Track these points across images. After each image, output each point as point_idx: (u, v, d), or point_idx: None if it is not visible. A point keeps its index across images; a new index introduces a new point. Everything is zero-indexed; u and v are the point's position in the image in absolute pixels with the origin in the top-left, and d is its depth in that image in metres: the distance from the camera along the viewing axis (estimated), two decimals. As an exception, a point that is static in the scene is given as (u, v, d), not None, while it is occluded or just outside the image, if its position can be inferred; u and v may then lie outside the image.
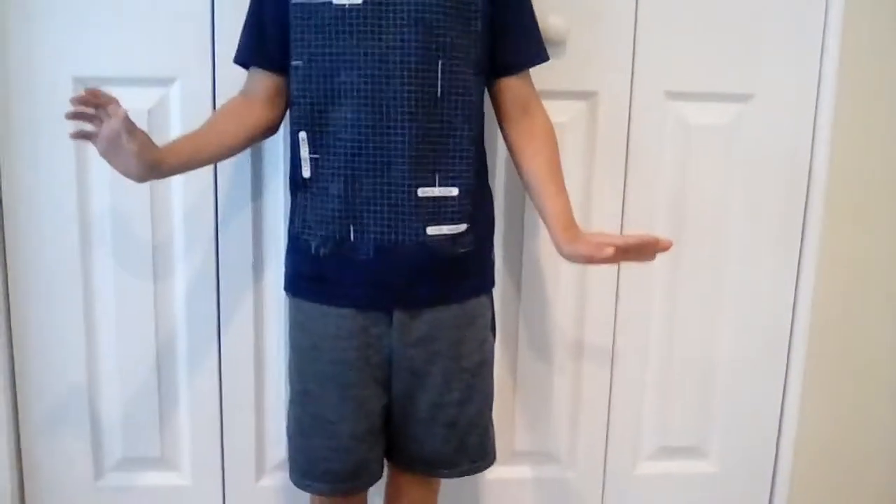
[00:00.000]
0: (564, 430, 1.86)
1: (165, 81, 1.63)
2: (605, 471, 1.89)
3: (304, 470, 1.51)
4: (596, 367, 1.84)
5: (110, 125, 1.24)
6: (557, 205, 1.42)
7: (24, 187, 1.65)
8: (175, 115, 1.64)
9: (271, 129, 1.49)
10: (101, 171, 1.63)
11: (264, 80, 1.44)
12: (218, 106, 1.57)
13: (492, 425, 1.57)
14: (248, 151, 1.64)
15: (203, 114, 1.58)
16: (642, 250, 1.37)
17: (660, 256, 1.68)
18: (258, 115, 1.45)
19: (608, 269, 1.77)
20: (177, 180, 1.65)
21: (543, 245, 1.74)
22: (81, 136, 1.28)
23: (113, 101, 1.25)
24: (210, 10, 1.61)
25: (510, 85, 1.46)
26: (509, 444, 1.84)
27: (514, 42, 1.45)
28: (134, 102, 1.57)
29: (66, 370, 1.72)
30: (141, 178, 1.32)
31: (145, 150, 1.29)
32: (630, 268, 1.75)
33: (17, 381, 1.72)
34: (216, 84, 1.62)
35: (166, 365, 1.74)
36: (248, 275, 1.71)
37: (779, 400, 1.91)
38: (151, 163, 1.30)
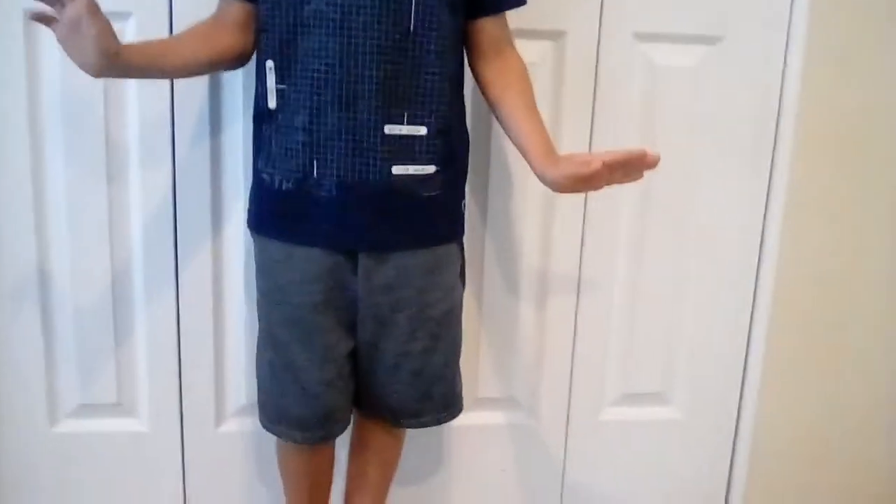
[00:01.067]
0: (528, 377, 1.86)
1: (121, 16, 1.56)
2: (568, 417, 1.89)
3: (273, 415, 1.50)
4: (560, 313, 1.83)
5: (74, 7, 1.19)
6: (536, 135, 1.38)
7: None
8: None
9: (240, 58, 1.44)
10: (53, 110, 1.59)
11: (234, 6, 1.40)
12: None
13: (459, 376, 1.56)
14: (205, 83, 1.61)
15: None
16: (629, 167, 1.27)
17: (627, 195, 1.73)
18: (228, 41, 1.41)
19: (573, 212, 1.76)
20: (132, 111, 1.61)
21: (509, 188, 1.72)
22: (40, 17, 1.22)
23: None
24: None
25: (485, 27, 1.43)
26: (473, 391, 1.83)
27: None
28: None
29: (20, 315, 1.68)
30: (98, 69, 1.24)
31: (105, 36, 1.22)
32: (595, 206, 1.76)
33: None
34: (173, 19, 1.57)
35: (122, 307, 1.71)
36: (207, 213, 1.68)
37: (743, 347, 1.91)
38: (110, 51, 1.23)
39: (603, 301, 1.84)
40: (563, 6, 1.67)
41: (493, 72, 1.44)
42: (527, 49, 1.58)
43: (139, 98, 1.61)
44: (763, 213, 1.83)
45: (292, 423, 1.48)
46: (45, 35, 1.38)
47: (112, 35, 1.24)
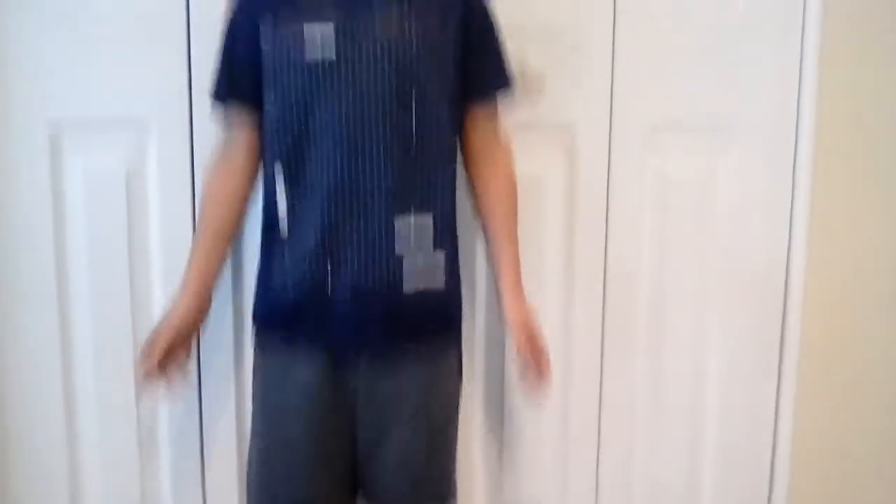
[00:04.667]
0: (553, 477, 1.82)
1: (142, 126, 1.61)
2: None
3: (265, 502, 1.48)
4: (584, 412, 1.81)
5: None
6: (509, 269, 1.50)
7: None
8: (152, 162, 1.62)
9: (255, 178, 1.49)
10: (76, 226, 1.62)
11: (244, 125, 1.45)
12: (203, 166, 1.56)
13: (454, 466, 1.55)
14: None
15: (179, 161, 1.60)
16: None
17: (645, 298, 1.78)
18: (245, 176, 1.48)
19: (591, 318, 1.77)
20: (154, 235, 1.64)
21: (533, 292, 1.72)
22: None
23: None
24: (186, 53, 1.59)
25: (477, 118, 1.48)
26: (499, 492, 1.80)
27: (481, 70, 1.47)
28: (110, 151, 1.61)
29: (43, 407, 1.66)
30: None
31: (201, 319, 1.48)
32: (614, 295, 1.77)
33: None
34: (193, 130, 1.61)
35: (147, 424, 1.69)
36: (229, 326, 1.68)
37: (769, 447, 1.89)
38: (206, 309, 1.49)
39: (626, 399, 1.82)
40: (573, 100, 1.70)
41: (483, 184, 1.51)
42: (538, 144, 1.67)
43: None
44: (783, 303, 1.83)
45: None
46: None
47: (198, 327, 1.48)
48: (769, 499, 1.90)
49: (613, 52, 1.70)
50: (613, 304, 1.77)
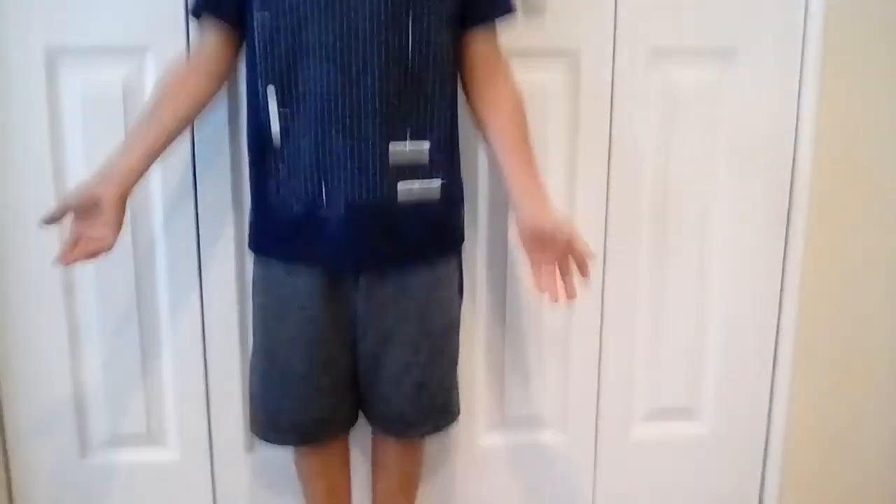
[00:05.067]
0: (555, 394, 1.85)
1: (139, 50, 1.59)
2: (596, 435, 1.88)
3: (268, 423, 1.52)
4: (585, 328, 1.82)
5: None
6: (519, 166, 1.43)
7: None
8: (149, 86, 1.60)
9: (217, 90, 1.47)
10: (75, 145, 1.62)
11: (219, 38, 1.43)
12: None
13: (456, 385, 1.58)
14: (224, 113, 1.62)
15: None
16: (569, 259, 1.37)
17: (647, 209, 1.77)
18: (206, 85, 1.44)
19: (594, 229, 1.76)
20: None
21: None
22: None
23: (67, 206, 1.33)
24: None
25: (475, 43, 1.45)
26: (500, 409, 1.83)
27: None
28: (107, 74, 1.60)
29: (48, 350, 1.70)
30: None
31: (116, 209, 1.34)
32: (616, 222, 1.76)
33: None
34: (190, 50, 1.58)
35: (149, 338, 1.72)
36: (231, 241, 1.68)
37: (770, 359, 1.90)
38: (121, 208, 1.36)
39: (627, 316, 1.83)
40: (575, 24, 1.67)
41: (486, 103, 1.46)
42: (541, 69, 1.65)
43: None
44: (786, 223, 1.82)
45: (286, 429, 1.51)
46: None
47: (116, 203, 1.35)
48: (769, 414, 1.93)
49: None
50: (616, 222, 1.77)
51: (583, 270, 1.37)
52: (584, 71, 1.69)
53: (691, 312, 1.85)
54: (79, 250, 1.34)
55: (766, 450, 1.94)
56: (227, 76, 1.48)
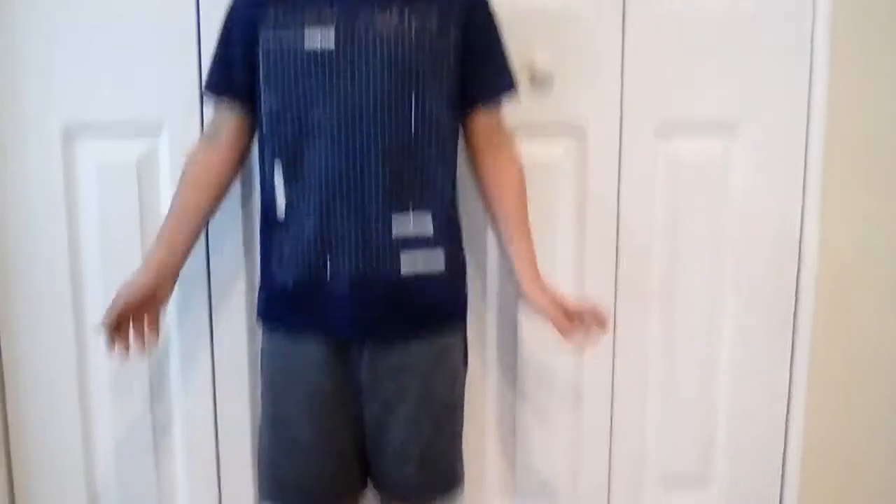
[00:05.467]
0: (566, 462, 1.84)
1: (153, 126, 1.62)
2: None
3: (275, 489, 1.52)
4: (596, 399, 1.82)
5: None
6: (524, 254, 1.50)
7: (14, 237, 1.64)
8: (164, 161, 1.63)
9: (238, 166, 1.51)
10: (90, 220, 1.64)
11: (233, 117, 1.47)
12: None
13: (460, 455, 1.57)
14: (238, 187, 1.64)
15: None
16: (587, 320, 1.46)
17: (655, 286, 1.77)
18: (226, 163, 1.49)
19: (606, 297, 1.76)
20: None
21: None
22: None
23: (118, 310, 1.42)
24: (197, 55, 1.60)
25: (479, 119, 1.48)
26: (510, 478, 1.82)
27: (483, 74, 1.46)
28: (122, 149, 1.63)
29: (59, 418, 1.70)
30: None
31: (164, 293, 1.47)
32: (626, 284, 1.77)
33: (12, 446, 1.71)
34: (204, 126, 1.61)
35: (161, 405, 1.72)
36: (242, 311, 1.69)
37: (781, 428, 1.89)
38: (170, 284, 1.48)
39: (638, 384, 1.83)
40: (582, 102, 1.70)
41: (489, 174, 1.50)
42: (548, 146, 1.67)
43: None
44: (794, 293, 1.83)
45: (293, 495, 1.50)
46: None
47: (161, 302, 1.48)
48: (781, 495, 1.92)
49: (623, 50, 1.69)
50: (625, 294, 1.77)
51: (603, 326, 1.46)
52: (591, 145, 1.71)
53: (702, 379, 1.85)
54: (135, 343, 1.45)
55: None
56: (246, 151, 1.51)
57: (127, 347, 1.45)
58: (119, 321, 1.43)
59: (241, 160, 1.50)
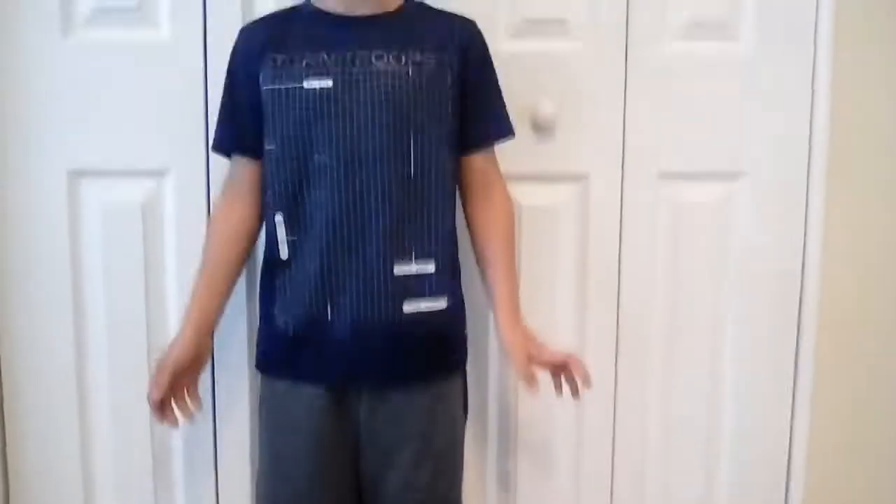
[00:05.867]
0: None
1: (158, 172, 1.64)
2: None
3: None
4: (597, 441, 1.81)
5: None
6: (506, 295, 1.49)
7: (17, 274, 1.65)
8: (169, 207, 1.65)
9: (261, 218, 1.50)
10: (94, 262, 1.65)
11: (248, 167, 1.47)
12: (212, 204, 1.59)
13: (460, 501, 1.56)
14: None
15: (196, 205, 1.62)
16: (566, 372, 1.45)
17: (657, 330, 1.78)
18: (248, 212, 1.48)
19: (608, 333, 1.77)
20: (171, 281, 1.66)
21: (542, 333, 1.69)
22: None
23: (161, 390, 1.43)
24: (203, 101, 1.61)
25: (475, 162, 1.49)
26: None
27: (479, 116, 1.47)
28: (127, 195, 1.64)
29: (59, 453, 1.70)
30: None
31: (204, 355, 1.49)
32: (628, 349, 1.76)
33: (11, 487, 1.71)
34: (210, 174, 1.63)
35: (162, 456, 1.72)
36: (244, 363, 1.69)
37: (786, 448, 1.87)
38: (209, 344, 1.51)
39: (639, 431, 1.82)
40: (584, 149, 1.71)
41: (480, 214, 1.50)
42: (550, 193, 1.69)
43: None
44: (795, 343, 1.82)
45: None
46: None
47: (202, 364, 1.50)
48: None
49: (625, 96, 1.70)
50: (627, 342, 1.77)
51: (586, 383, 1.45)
52: (592, 194, 1.72)
53: (704, 421, 1.84)
54: (179, 405, 1.47)
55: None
56: (262, 205, 1.50)
57: (174, 419, 1.46)
58: (166, 388, 1.43)
59: (261, 211, 1.49)
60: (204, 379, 1.63)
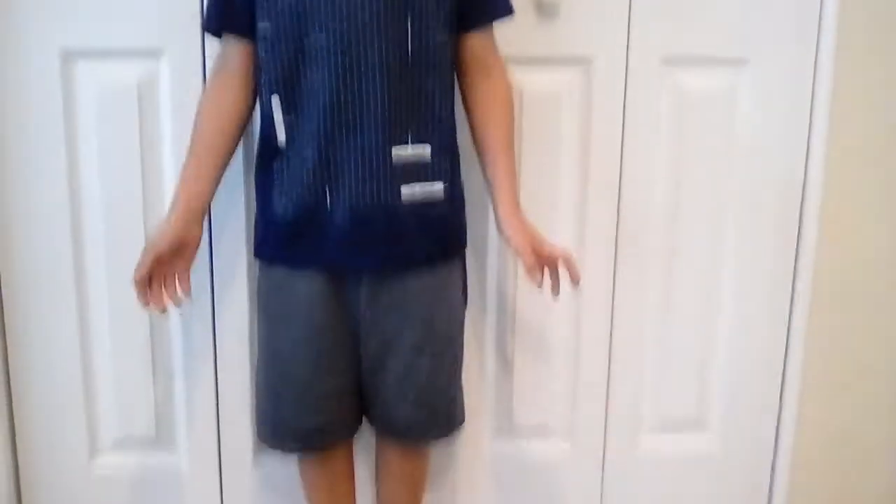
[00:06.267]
0: (564, 403, 1.84)
1: (154, 52, 1.61)
2: (605, 444, 1.87)
3: (271, 429, 1.53)
4: (594, 336, 1.81)
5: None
6: (506, 185, 1.46)
7: (12, 160, 1.63)
8: (165, 88, 1.62)
9: (252, 99, 1.47)
10: (89, 145, 1.63)
11: (239, 48, 1.44)
12: (205, 85, 1.55)
13: (461, 390, 1.57)
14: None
15: (192, 86, 1.58)
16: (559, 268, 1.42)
17: (658, 224, 1.76)
18: (239, 95, 1.45)
19: (605, 233, 1.76)
20: (168, 163, 1.64)
21: (542, 209, 1.69)
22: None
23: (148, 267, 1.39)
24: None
25: (473, 42, 1.46)
26: (507, 417, 1.83)
27: None
28: (122, 75, 1.61)
29: (59, 359, 1.71)
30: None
31: (193, 240, 1.44)
32: (627, 228, 1.76)
33: (10, 365, 1.71)
34: (206, 54, 1.60)
35: (160, 345, 1.72)
36: (242, 250, 1.68)
37: (780, 370, 1.88)
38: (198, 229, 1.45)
39: (637, 324, 1.82)
40: (589, 32, 1.67)
41: (477, 99, 1.48)
42: (554, 76, 1.66)
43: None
44: (797, 233, 1.81)
45: (289, 435, 1.51)
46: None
47: (191, 249, 1.44)
48: (777, 428, 1.92)
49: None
50: (627, 228, 1.76)
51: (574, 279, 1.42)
52: (596, 77, 1.69)
53: (701, 322, 1.84)
54: (167, 291, 1.43)
55: (773, 466, 1.93)
56: (255, 87, 1.47)
57: (160, 302, 1.42)
58: (150, 276, 1.40)
59: (256, 88, 1.46)
60: (203, 270, 1.66)
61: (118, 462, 1.76)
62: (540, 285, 1.40)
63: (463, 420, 1.58)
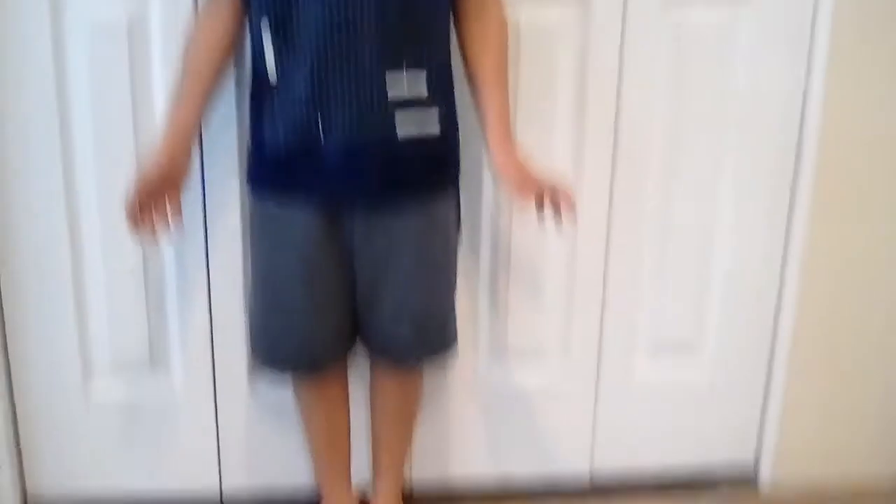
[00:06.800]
0: (558, 326, 1.85)
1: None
2: (598, 367, 1.89)
3: (266, 352, 1.55)
4: (589, 260, 1.82)
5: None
6: (499, 119, 1.45)
7: (5, 101, 1.61)
8: (154, 23, 1.59)
9: (240, 29, 1.46)
10: (80, 81, 1.61)
11: None
12: (194, 20, 1.52)
13: (454, 314, 1.59)
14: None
15: (183, 22, 1.55)
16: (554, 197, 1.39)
17: (656, 156, 1.75)
18: (229, 25, 1.43)
19: (601, 159, 1.75)
20: (159, 99, 1.62)
21: (537, 134, 1.69)
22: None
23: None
24: None
25: None
26: (502, 340, 1.84)
27: None
28: (112, 11, 1.59)
29: (52, 275, 1.71)
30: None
31: (180, 182, 1.43)
32: (624, 151, 1.75)
33: (3, 292, 1.72)
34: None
35: (154, 270, 1.73)
36: (234, 178, 1.67)
37: (775, 295, 1.90)
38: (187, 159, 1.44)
39: (632, 248, 1.82)
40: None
41: (473, 30, 1.46)
42: (550, 13, 1.62)
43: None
44: (794, 167, 1.81)
45: (284, 358, 1.54)
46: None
47: (181, 178, 1.43)
48: (772, 351, 1.94)
49: None
50: (624, 160, 1.76)
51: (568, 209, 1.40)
52: (595, 12, 1.66)
53: (696, 247, 1.85)
54: (159, 225, 1.42)
55: (766, 392, 1.95)
56: (244, 16, 1.45)
57: (152, 232, 1.42)
58: (141, 206, 1.39)
59: (243, 23, 1.44)
60: (195, 200, 1.66)
61: (113, 386, 1.78)
62: (533, 217, 1.40)
63: (456, 342, 1.60)
